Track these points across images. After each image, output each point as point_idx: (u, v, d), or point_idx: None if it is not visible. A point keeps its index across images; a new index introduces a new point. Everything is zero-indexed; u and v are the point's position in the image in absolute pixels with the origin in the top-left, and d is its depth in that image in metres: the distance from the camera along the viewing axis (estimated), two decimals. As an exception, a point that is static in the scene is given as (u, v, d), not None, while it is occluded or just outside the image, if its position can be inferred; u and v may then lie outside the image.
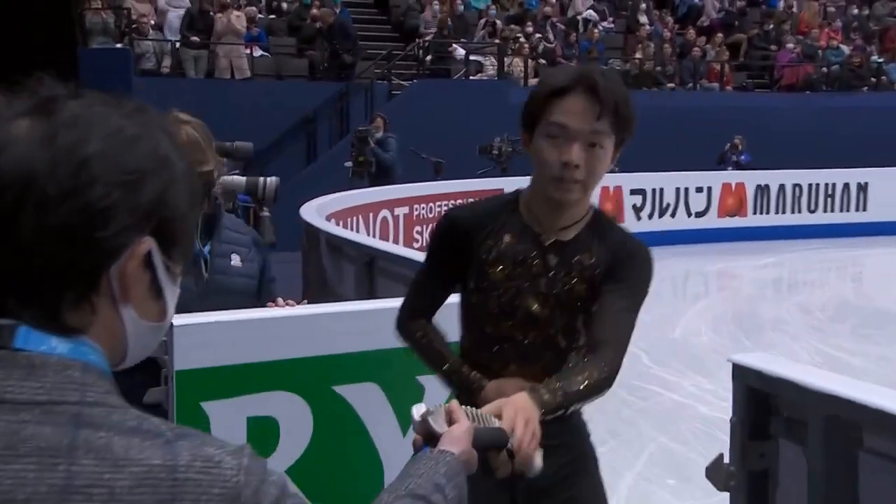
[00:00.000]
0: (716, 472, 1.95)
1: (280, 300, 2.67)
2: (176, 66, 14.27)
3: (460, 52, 15.98)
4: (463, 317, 1.99)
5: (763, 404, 1.91)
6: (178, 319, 2.35)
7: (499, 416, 1.47)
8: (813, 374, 1.80)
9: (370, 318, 2.55)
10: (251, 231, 2.87)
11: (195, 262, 2.61)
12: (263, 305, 2.69)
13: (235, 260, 2.71)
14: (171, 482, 0.80)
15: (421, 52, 15.72)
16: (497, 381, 1.84)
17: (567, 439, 1.93)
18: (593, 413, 5.41)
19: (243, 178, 5.50)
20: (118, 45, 14.02)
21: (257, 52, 14.83)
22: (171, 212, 0.88)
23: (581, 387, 1.70)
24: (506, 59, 15.91)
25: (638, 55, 17.36)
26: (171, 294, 0.93)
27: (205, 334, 2.39)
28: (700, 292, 10.24)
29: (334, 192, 8.66)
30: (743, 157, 14.97)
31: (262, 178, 5.53)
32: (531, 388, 1.64)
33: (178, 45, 14.32)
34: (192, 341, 2.37)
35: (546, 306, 1.88)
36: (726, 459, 1.95)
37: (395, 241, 9.32)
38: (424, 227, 10.24)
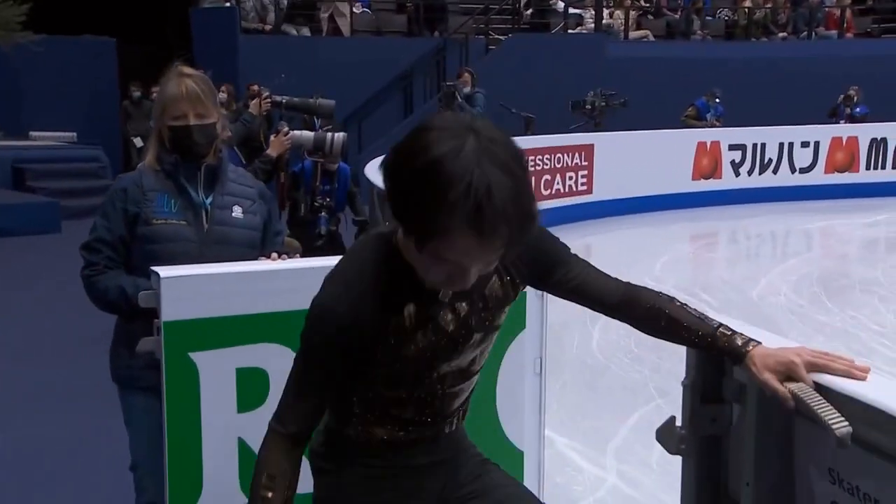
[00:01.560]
0: (667, 436, 1.88)
1: (274, 255, 2.70)
2: (278, 24, 14.51)
3: (560, 4, 15.67)
4: (354, 389, 1.69)
5: (717, 367, 1.82)
6: (166, 271, 2.41)
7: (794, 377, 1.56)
8: (759, 337, 1.70)
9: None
10: (258, 184, 2.90)
11: (196, 213, 2.67)
12: (263, 259, 2.73)
13: (237, 212, 2.75)
14: None
15: (520, 5, 15.48)
16: None
17: (462, 445, 1.89)
18: (647, 372, 5.32)
19: (311, 134, 5.56)
20: (227, 5, 14.37)
21: (358, 9, 14.93)
22: None
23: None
24: (606, 10, 15.50)
25: (747, 3, 16.62)
26: None
27: (193, 286, 2.44)
28: (792, 251, 9.82)
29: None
30: (858, 110, 14.17)
31: (329, 134, 5.57)
32: (754, 345, 1.64)
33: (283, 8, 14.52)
34: (181, 293, 2.42)
35: (466, 351, 1.68)
36: (678, 423, 1.88)
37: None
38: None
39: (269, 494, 1.63)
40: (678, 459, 1.92)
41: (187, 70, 2.73)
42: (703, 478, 1.85)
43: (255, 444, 2.56)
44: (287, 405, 1.67)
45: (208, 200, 2.71)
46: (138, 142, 13.06)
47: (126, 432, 2.74)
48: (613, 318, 1.80)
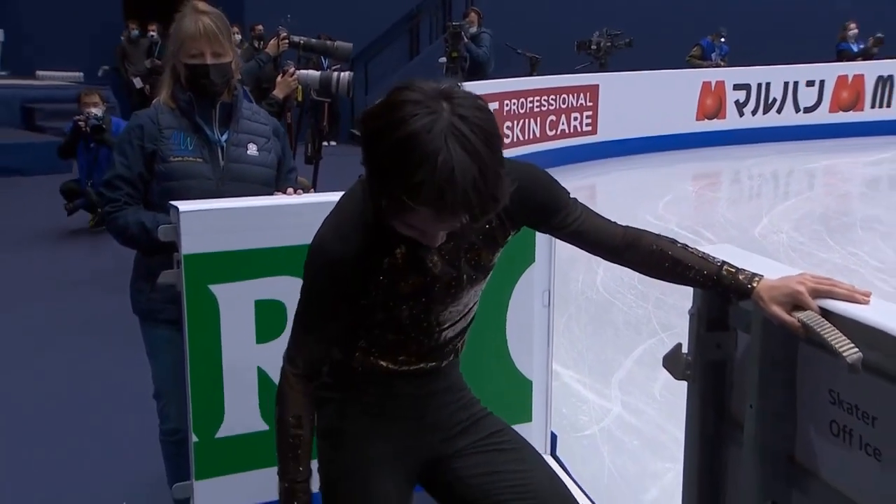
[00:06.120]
0: (674, 362, 1.95)
1: (290, 190, 2.75)
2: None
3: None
4: (357, 331, 1.78)
5: (722, 297, 1.88)
6: (185, 205, 2.47)
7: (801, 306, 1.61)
8: (764, 266, 1.76)
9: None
10: (272, 121, 2.93)
11: (212, 151, 2.72)
12: (278, 195, 2.78)
13: (252, 149, 2.79)
14: None
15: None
16: None
17: (456, 381, 1.94)
18: (651, 307, 5.39)
19: (317, 73, 5.56)
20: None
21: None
22: None
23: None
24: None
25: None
26: None
27: (211, 220, 2.49)
28: (794, 190, 9.84)
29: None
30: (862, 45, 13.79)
31: (335, 73, 5.56)
32: (758, 280, 1.69)
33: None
34: (200, 227, 2.47)
35: (461, 294, 1.75)
36: (685, 349, 1.95)
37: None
38: (515, 122, 10.09)
39: (300, 432, 1.75)
40: (680, 390, 1.99)
41: (203, 6, 2.74)
42: (708, 401, 1.93)
43: (274, 374, 2.63)
44: (294, 343, 1.76)
45: (224, 138, 2.75)
46: (138, 82, 12.94)
47: (148, 363, 2.83)
48: (615, 262, 1.82)
